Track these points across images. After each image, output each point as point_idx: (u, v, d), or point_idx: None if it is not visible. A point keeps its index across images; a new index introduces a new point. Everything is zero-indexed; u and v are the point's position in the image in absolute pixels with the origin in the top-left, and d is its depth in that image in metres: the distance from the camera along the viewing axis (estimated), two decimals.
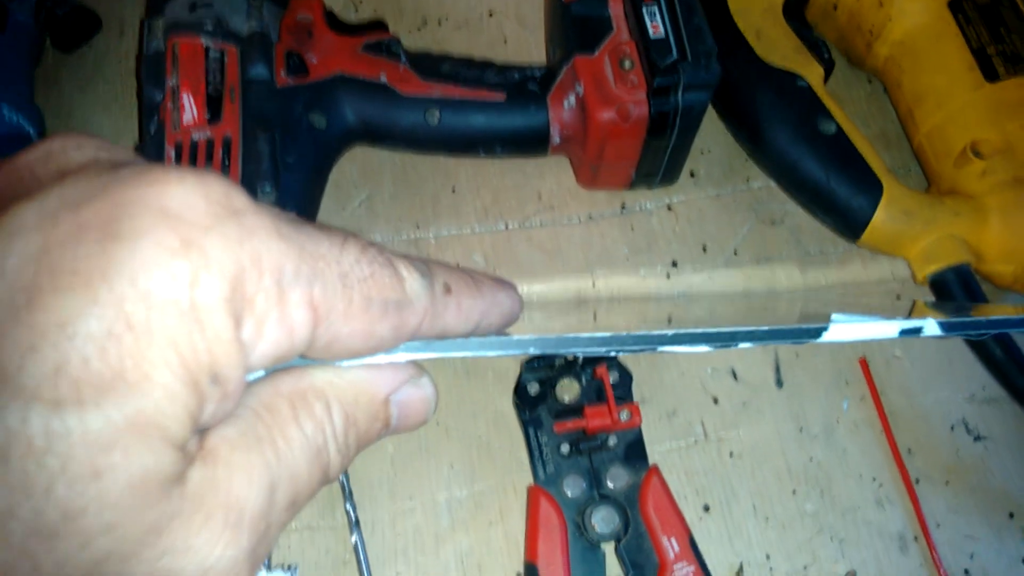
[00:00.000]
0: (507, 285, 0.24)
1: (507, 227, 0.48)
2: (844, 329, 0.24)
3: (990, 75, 0.44)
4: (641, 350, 0.23)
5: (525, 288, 0.46)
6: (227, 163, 0.38)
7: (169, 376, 0.16)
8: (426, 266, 0.21)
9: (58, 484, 0.15)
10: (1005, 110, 0.44)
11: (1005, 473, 0.43)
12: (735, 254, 0.48)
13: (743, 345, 0.23)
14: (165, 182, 0.16)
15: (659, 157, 0.44)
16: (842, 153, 0.44)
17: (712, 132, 0.51)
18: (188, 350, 0.16)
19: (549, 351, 0.23)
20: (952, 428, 0.44)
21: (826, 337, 0.24)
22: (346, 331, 0.18)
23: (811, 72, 0.46)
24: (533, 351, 0.22)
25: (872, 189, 0.43)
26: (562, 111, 0.43)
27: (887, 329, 0.24)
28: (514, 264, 0.47)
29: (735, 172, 0.50)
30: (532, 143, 0.44)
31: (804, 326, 0.24)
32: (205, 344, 0.16)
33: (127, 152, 0.19)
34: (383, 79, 0.42)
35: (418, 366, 0.22)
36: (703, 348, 0.23)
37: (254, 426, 0.18)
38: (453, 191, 0.48)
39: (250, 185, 0.38)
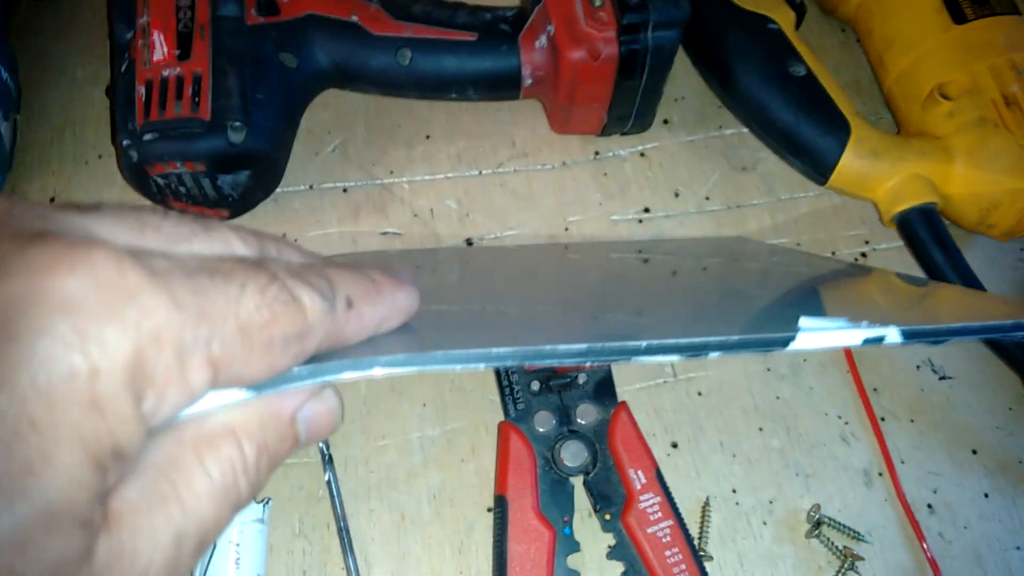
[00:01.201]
0: (404, 285, 0.24)
1: (481, 173, 0.48)
2: (810, 338, 0.24)
3: (958, 17, 0.45)
4: (616, 360, 0.24)
5: (498, 233, 0.46)
6: (197, 99, 0.38)
7: (75, 464, 0.16)
8: (328, 282, 0.21)
9: None
10: (972, 51, 0.44)
11: (969, 411, 0.44)
12: (707, 200, 0.49)
13: (713, 355, 0.24)
14: (56, 272, 0.16)
15: (631, 99, 0.44)
16: (811, 95, 0.44)
17: (686, 79, 0.51)
18: (92, 438, 0.16)
19: (525, 361, 0.23)
20: (918, 367, 0.45)
21: (793, 347, 0.24)
22: (248, 373, 0.19)
23: (782, 16, 0.46)
24: (511, 363, 0.23)
25: (840, 130, 0.44)
26: (533, 51, 0.43)
27: (851, 337, 0.25)
28: (487, 209, 0.47)
29: (708, 119, 0.51)
30: (504, 84, 0.44)
31: (772, 335, 0.24)
32: (107, 428, 0.16)
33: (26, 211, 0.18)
34: (354, 19, 0.42)
35: None
36: (674, 357, 0.24)
37: (157, 484, 0.19)
38: (427, 137, 0.49)
39: (220, 120, 0.38)
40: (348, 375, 0.21)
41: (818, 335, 0.24)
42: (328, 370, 0.21)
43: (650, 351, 0.23)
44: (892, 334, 0.25)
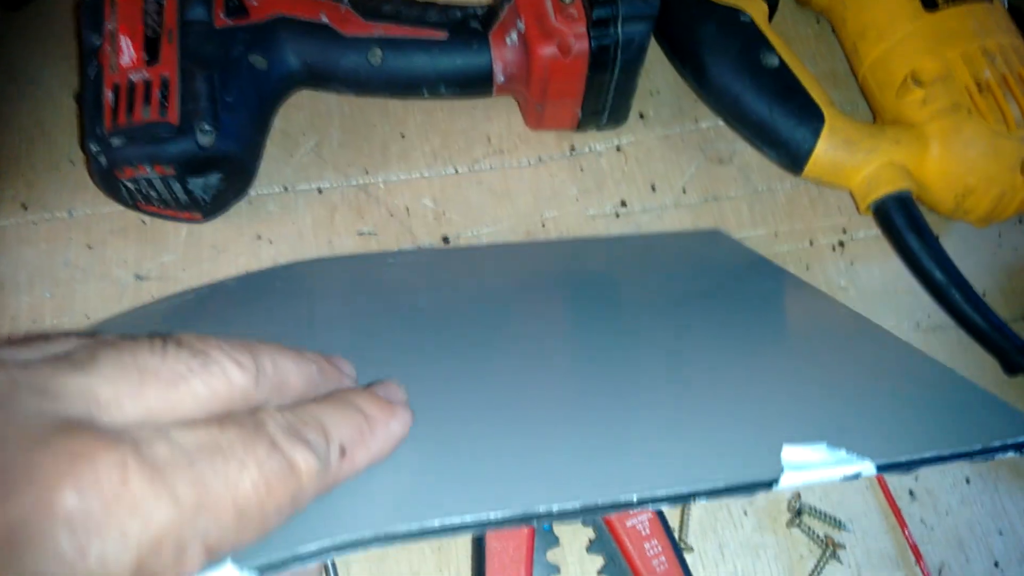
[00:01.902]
0: (397, 411, 0.25)
1: (456, 171, 0.48)
2: (793, 476, 0.25)
3: (929, 5, 0.45)
4: (606, 512, 0.25)
5: (475, 230, 0.46)
6: (165, 103, 0.38)
7: None
8: (323, 433, 0.22)
9: None
10: (944, 38, 0.44)
11: None
12: (684, 193, 0.49)
13: (700, 502, 0.25)
14: (61, 488, 0.17)
15: (604, 94, 0.44)
16: (784, 85, 0.44)
17: (661, 73, 0.51)
18: None
19: (517, 525, 0.25)
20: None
21: (780, 486, 0.25)
22: (241, 544, 0.20)
23: (754, 8, 0.46)
24: (505, 526, 0.24)
25: (814, 120, 0.44)
26: (505, 48, 0.43)
27: (832, 473, 0.26)
28: (464, 207, 0.47)
29: (684, 113, 0.51)
30: (476, 82, 0.44)
31: (757, 480, 0.25)
32: None
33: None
34: (324, 19, 0.42)
35: None
36: (664, 506, 0.25)
37: None
38: (402, 136, 0.48)
39: (189, 123, 0.37)
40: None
41: (800, 474, 0.25)
42: (327, 551, 0.22)
43: (643, 502, 0.24)
44: (867, 468, 0.26)
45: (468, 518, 0.23)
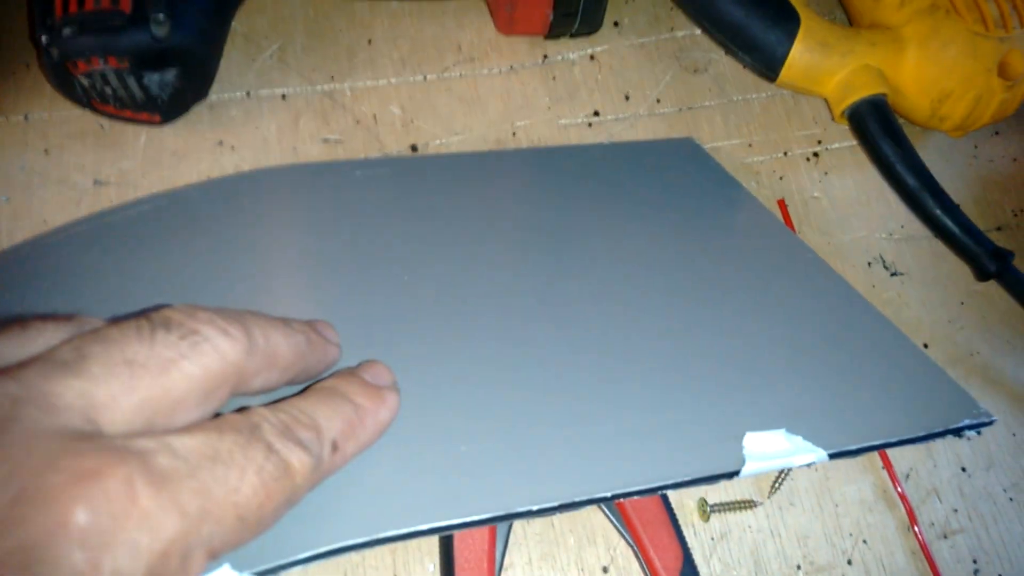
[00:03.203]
0: (386, 397, 0.26)
1: (425, 78, 0.47)
2: (753, 465, 0.28)
3: None
4: (581, 507, 0.26)
5: (443, 139, 0.45)
6: None
7: None
8: (315, 431, 0.22)
9: None
10: None
11: (921, 306, 0.44)
12: (657, 102, 0.48)
13: (670, 490, 0.27)
14: (72, 506, 0.17)
15: None
16: None
17: None
18: None
19: (498, 522, 0.25)
20: (869, 264, 0.45)
21: (741, 475, 0.28)
22: (244, 542, 0.21)
23: None
24: (489, 523, 0.25)
25: (789, 22, 0.43)
26: None
27: (789, 462, 0.28)
28: (432, 114, 0.46)
29: (659, 21, 0.50)
30: None
31: (721, 471, 0.28)
32: None
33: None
34: None
35: None
36: (634, 497, 0.27)
37: None
38: (369, 43, 0.47)
39: (142, 12, 0.36)
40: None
41: (760, 463, 0.28)
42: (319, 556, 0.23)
43: (615, 497, 0.26)
44: (820, 455, 0.28)
45: (453, 520, 0.25)
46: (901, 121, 0.44)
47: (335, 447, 0.23)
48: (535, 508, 0.25)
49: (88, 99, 0.39)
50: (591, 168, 0.44)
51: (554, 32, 0.46)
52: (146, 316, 0.22)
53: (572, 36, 0.47)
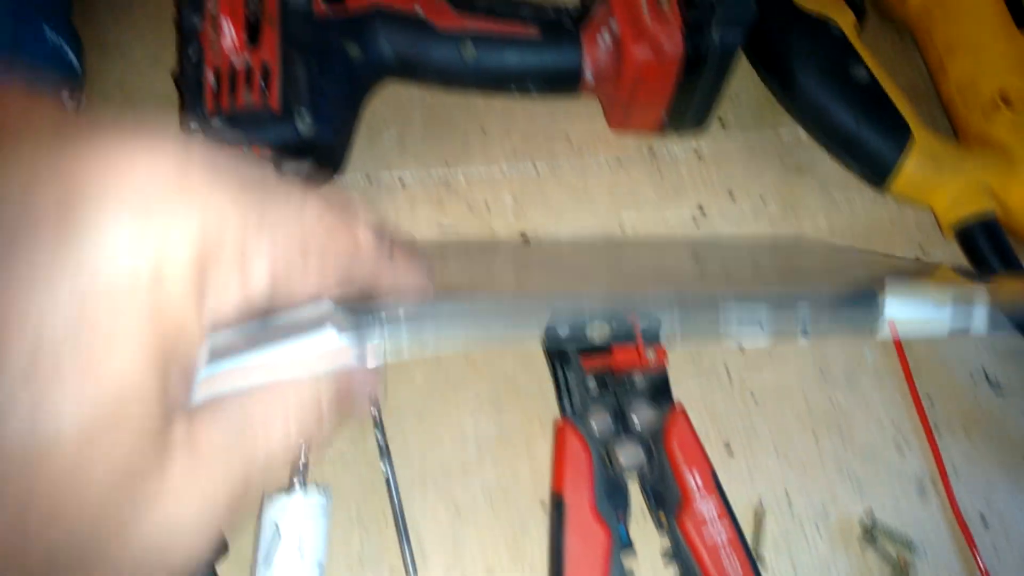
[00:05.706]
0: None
1: (536, 169, 0.48)
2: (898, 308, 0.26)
3: (1022, 23, 0.44)
4: (701, 321, 0.24)
5: (554, 228, 0.46)
6: (266, 88, 0.38)
7: (136, 364, 0.15)
8: (379, 228, 0.22)
9: (40, 482, 0.15)
10: None
11: (1023, 422, 0.44)
12: (762, 201, 0.48)
13: (803, 341, 0.24)
14: (118, 166, 0.15)
15: (691, 97, 0.44)
16: (872, 99, 0.44)
17: (742, 79, 0.51)
18: (152, 339, 0.16)
19: (610, 307, 0.24)
20: (972, 377, 0.45)
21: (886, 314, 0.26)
22: (299, 291, 0.19)
23: (844, 18, 0.46)
24: (595, 315, 0.23)
25: (901, 135, 0.43)
26: (596, 48, 0.43)
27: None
28: (543, 205, 0.47)
29: (764, 120, 0.51)
30: (565, 80, 0.44)
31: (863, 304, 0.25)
32: (168, 329, 0.16)
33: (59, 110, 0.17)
34: (419, 12, 0.42)
35: None
36: (763, 317, 0.24)
37: (236, 420, 0.18)
38: (483, 132, 0.48)
39: (288, 109, 0.38)
40: (437, 333, 0.21)
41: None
42: (425, 314, 0.21)
43: (740, 300, 0.23)
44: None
45: (555, 301, 0.23)
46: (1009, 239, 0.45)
47: (392, 254, 0.22)
48: (651, 295, 0.23)
49: None
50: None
51: (665, 130, 0.47)
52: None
53: (680, 133, 0.48)
